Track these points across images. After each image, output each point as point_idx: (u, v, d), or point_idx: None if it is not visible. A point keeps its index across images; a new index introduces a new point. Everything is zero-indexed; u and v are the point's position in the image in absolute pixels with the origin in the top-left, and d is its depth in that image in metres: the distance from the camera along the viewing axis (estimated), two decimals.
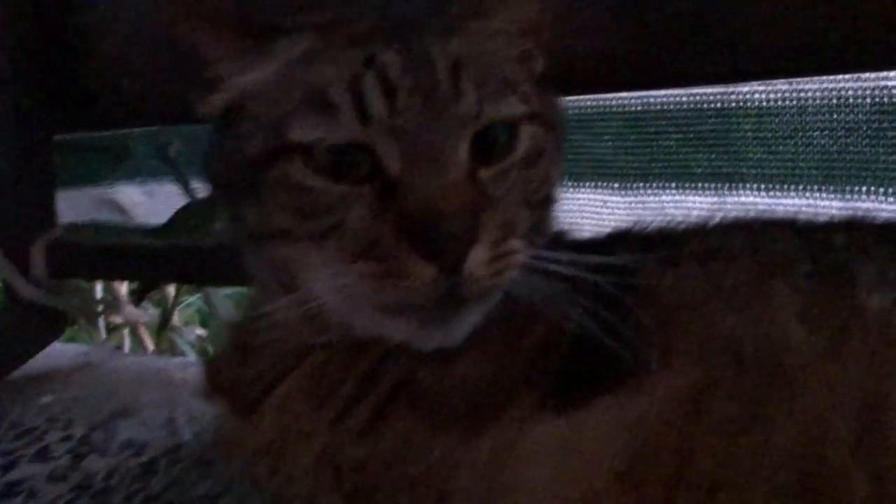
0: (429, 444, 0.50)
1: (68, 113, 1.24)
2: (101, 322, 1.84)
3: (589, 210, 1.00)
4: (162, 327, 1.51)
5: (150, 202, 1.45)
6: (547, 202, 0.56)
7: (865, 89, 0.83)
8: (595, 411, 0.47)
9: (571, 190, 1.01)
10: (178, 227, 1.31)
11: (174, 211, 1.40)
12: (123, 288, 1.67)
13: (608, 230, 0.67)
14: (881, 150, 0.84)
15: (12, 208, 1.25)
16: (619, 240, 0.60)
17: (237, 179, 0.54)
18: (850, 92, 0.84)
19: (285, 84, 0.51)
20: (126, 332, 1.71)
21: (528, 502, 0.46)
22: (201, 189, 1.37)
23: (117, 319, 1.46)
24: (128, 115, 1.21)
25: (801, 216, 0.86)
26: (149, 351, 1.67)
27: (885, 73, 0.82)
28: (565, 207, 0.98)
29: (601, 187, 0.99)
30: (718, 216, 0.62)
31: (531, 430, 0.48)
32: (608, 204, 0.99)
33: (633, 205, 0.97)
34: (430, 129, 0.48)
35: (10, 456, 0.92)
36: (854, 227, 0.58)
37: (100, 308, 1.36)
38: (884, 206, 0.84)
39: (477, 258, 0.46)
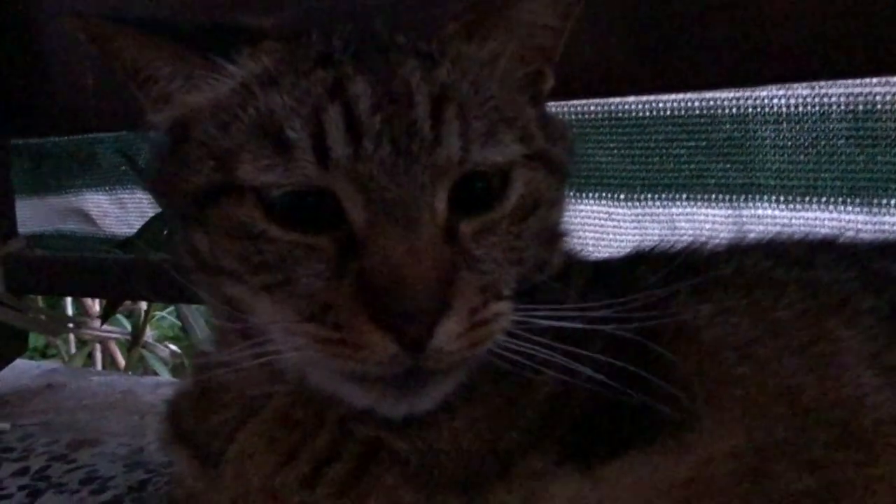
0: None
1: (25, 116, 1.16)
2: (71, 338, 1.75)
3: (592, 224, 0.93)
4: (133, 344, 1.42)
5: (120, 211, 1.36)
6: (550, 243, 0.48)
7: (895, 94, 0.77)
8: (625, 470, 0.40)
9: (573, 202, 0.93)
10: (147, 239, 1.23)
11: (144, 222, 1.32)
12: (94, 303, 1.59)
13: (627, 248, 0.59)
14: None
15: None
16: (643, 262, 0.52)
17: (184, 205, 0.46)
18: (877, 97, 0.78)
19: (238, 108, 0.43)
20: (97, 347, 1.62)
21: None
22: None
23: (86, 335, 1.37)
24: (88, 119, 1.12)
25: (826, 231, 0.80)
26: (121, 367, 1.58)
27: None
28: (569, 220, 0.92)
29: (605, 199, 0.92)
30: (749, 235, 0.55)
31: (549, 490, 0.41)
32: (613, 216, 0.92)
33: (640, 218, 0.90)
34: (401, 177, 0.40)
35: None
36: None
37: (69, 325, 1.26)
38: None
39: (446, 332, 0.39)
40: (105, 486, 0.85)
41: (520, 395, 0.43)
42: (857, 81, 0.77)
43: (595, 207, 0.93)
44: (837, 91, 0.79)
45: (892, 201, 0.78)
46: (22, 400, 1.18)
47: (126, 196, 1.34)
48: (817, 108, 0.80)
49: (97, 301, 1.65)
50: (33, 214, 1.36)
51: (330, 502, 0.45)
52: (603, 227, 0.93)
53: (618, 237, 0.91)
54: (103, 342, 1.54)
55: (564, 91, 0.56)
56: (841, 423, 0.36)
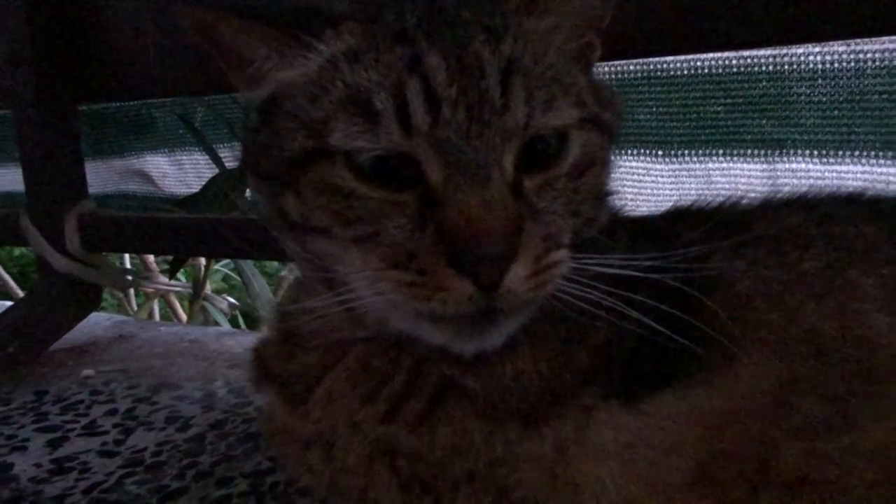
0: (488, 439, 0.49)
1: (91, 83, 1.22)
2: (131, 293, 1.86)
3: (630, 179, 0.97)
4: (195, 297, 1.51)
5: (179, 172, 1.44)
6: (599, 199, 0.53)
7: None
8: (665, 403, 0.45)
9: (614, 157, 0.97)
10: (207, 199, 1.31)
11: (203, 181, 1.40)
12: (151, 258, 1.68)
13: (667, 204, 0.64)
14: None
15: (42, 181, 1.24)
16: (682, 219, 0.57)
17: (277, 171, 0.52)
18: None
19: (327, 82, 0.48)
20: (156, 302, 1.72)
21: (597, 499, 0.45)
22: (230, 158, 1.35)
23: (148, 290, 1.46)
24: (150, 85, 1.19)
25: (858, 185, 0.84)
26: (181, 319, 1.68)
27: None
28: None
29: (644, 155, 0.96)
30: (783, 191, 0.60)
31: (597, 422, 0.47)
32: (651, 172, 0.96)
33: (677, 173, 0.94)
34: (475, 141, 0.45)
35: (59, 431, 0.93)
36: None
37: (138, 279, 1.35)
38: None
39: (516, 275, 0.44)
40: (188, 424, 0.94)
41: (576, 337, 0.49)
42: (893, 38, 0.80)
43: (633, 163, 0.97)
44: (872, 48, 0.81)
45: None
46: (99, 349, 1.28)
47: (184, 157, 1.42)
48: (852, 64, 0.83)
49: (154, 258, 1.76)
50: (97, 176, 1.44)
51: (406, 434, 0.52)
52: (641, 181, 0.97)
53: (656, 192, 0.96)
54: (165, 296, 1.63)
55: (608, 51, 0.60)
56: (857, 361, 0.42)
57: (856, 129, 0.84)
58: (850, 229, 0.50)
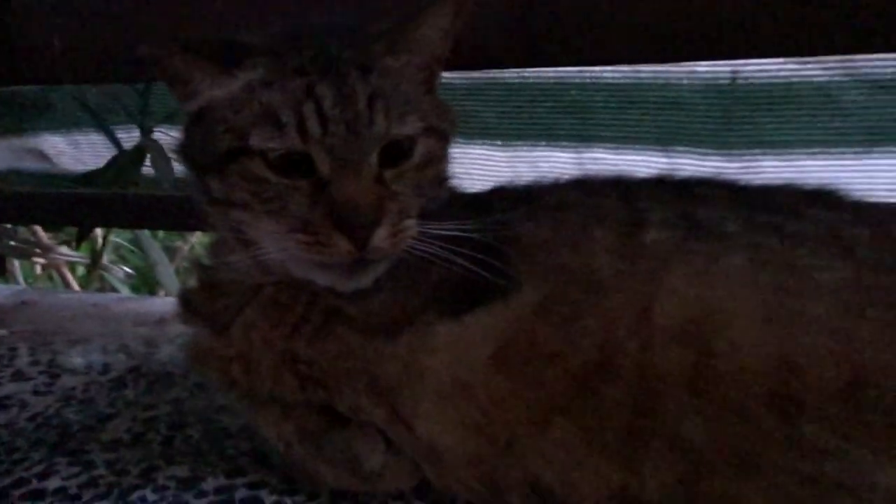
0: (363, 346, 0.71)
1: None
2: (16, 264, 1.92)
3: (477, 163, 1.22)
4: (93, 265, 1.63)
5: (75, 151, 1.55)
6: (439, 183, 0.75)
7: (692, 73, 1.08)
8: (477, 316, 0.69)
9: (463, 146, 1.22)
10: (107, 176, 1.43)
11: (98, 159, 1.52)
12: (41, 232, 1.76)
13: (492, 184, 0.88)
14: (697, 120, 1.10)
15: None
16: (498, 196, 0.81)
17: (207, 162, 0.71)
18: (678, 74, 1.09)
19: (246, 100, 0.67)
20: (50, 273, 1.81)
21: (433, 380, 0.68)
22: (126, 139, 1.48)
23: (54, 260, 1.56)
24: (55, 72, 1.30)
25: (640, 170, 1.12)
26: (74, 289, 1.78)
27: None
28: (459, 161, 1.21)
29: (487, 144, 1.21)
30: (568, 174, 0.85)
31: (435, 330, 0.70)
32: (493, 158, 1.22)
33: (511, 158, 1.20)
34: (351, 145, 0.66)
35: None
36: (659, 183, 0.82)
37: (37, 251, 1.46)
38: (698, 162, 1.11)
39: (379, 236, 0.65)
40: (107, 369, 1.09)
41: (421, 276, 0.71)
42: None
43: (480, 150, 1.22)
44: (648, 68, 1.10)
45: (681, 148, 1.11)
46: (5, 313, 1.39)
47: (80, 137, 1.53)
48: (633, 78, 1.11)
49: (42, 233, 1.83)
50: None
51: (304, 347, 0.73)
52: (485, 165, 1.22)
53: (496, 173, 1.21)
54: (57, 267, 1.73)
55: (456, 64, 0.82)
56: (585, 282, 0.67)
57: (637, 128, 1.13)
58: (601, 200, 0.76)
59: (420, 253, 0.69)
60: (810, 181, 1.04)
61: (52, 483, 0.77)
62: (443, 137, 0.75)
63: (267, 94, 0.67)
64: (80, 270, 1.83)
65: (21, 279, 1.84)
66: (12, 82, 1.38)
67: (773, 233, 0.68)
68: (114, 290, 1.68)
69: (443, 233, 0.69)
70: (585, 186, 0.82)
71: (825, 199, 0.77)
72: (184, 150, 0.74)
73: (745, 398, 0.59)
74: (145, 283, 1.76)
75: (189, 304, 0.82)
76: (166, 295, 1.62)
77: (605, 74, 1.11)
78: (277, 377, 0.74)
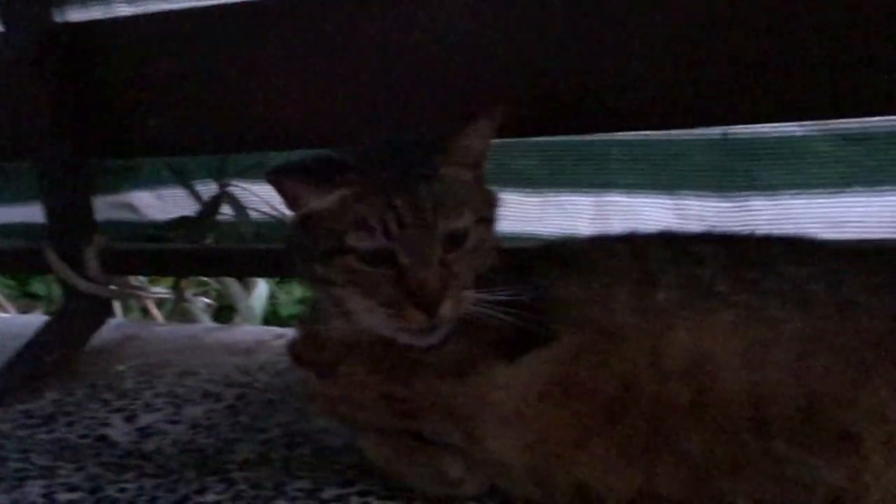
0: (440, 387, 0.94)
1: (101, 141, 1.56)
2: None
3: (511, 208, 1.43)
4: (178, 300, 1.88)
5: (160, 203, 1.78)
6: (489, 255, 0.95)
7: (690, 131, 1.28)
8: (528, 361, 0.91)
9: (499, 192, 1.43)
10: (179, 229, 1.67)
11: (179, 209, 1.76)
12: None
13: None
14: (696, 169, 1.30)
15: (62, 219, 1.58)
16: (536, 258, 1.03)
17: (313, 255, 0.92)
18: (679, 132, 1.29)
19: (343, 210, 0.89)
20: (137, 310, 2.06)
21: (497, 410, 0.90)
22: (204, 192, 1.72)
23: (146, 298, 1.81)
24: (151, 147, 1.53)
25: (648, 213, 1.33)
26: (159, 320, 2.04)
27: None
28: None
29: (519, 191, 1.43)
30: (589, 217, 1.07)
31: (495, 371, 0.92)
32: (525, 203, 1.43)
33: (541, 203, 1.42)
34: (421, 242, 0.87)
35: (127, 411, 1.31)
36: (663, 241, 1.03)
37: (136, 293, 1.71)
38: (699, 202, 1.31)
39: (445, 307, 0.86)
40: (219, 398, 1.33)
41: (481, 330, 0.93)
42: None
43: (513, 196, 1.43)
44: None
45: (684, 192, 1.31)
46: (116, 348, 1.64)
47: (165, 192, 1.77)
48: (644, 136, 1.31)
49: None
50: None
51: (398, 388, 0.95)
52: (518, 209, 1.43)
53: (527, 216, 1.43)
54: (144, 302, 1.98)
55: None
56: (611, 333, 0.88)
57: (647, 176, 1.33)
58: (619, 261, 0.97)
59: (478, 313, 0.91)
60: (794, 217, 1.27)
61: (209, 498, 1.01)
62: (489, 221, 0.97)
63: (359, 205, 0.89)
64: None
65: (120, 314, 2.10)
66: (111, 155, 1.62)
67: (752, 290, 0.89)
68: (197, 320, 1.93)
69: (493, 298, 0.91)
70: (606, 248, 1.03)
71: (798, 251, 0.97)
72: (293, 242, 0.97)
73: (731, 421, 0.81)
74: (221, 311, 2.01)
75: (297, 354, 1.05)
76: (244, 323, 1.87)
77: (620, 133, 1.32)
78: (376, 411, 0.97)
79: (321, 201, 0.92)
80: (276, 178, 0.92)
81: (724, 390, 0.82)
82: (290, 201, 0.94)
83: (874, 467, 0.77)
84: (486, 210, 0.96)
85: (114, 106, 1.52)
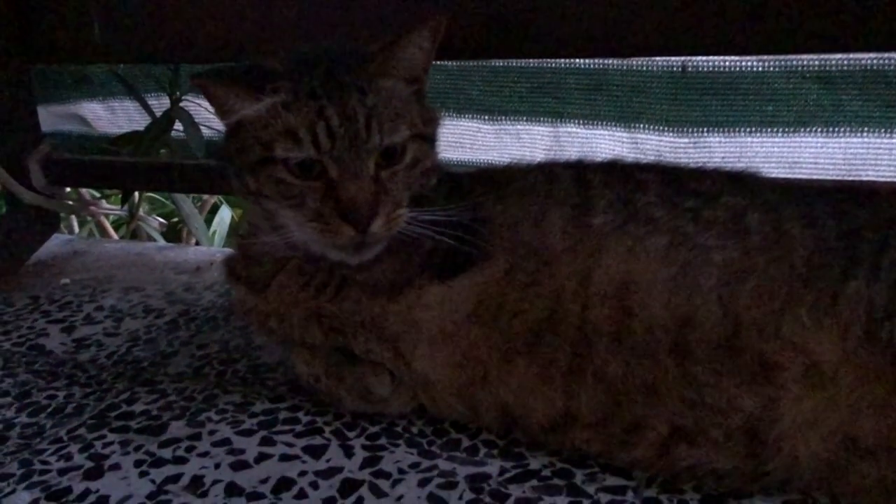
0: (371, 305, 0.93)
1: (42, 48, 1.49)
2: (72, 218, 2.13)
3: (467, 135, 1.41)
4: (131, 219, 1.84)
5: (111, 116, 1.73)
6: (426, 175, 0.92)
7: (650, 62, 1.25)
8: (459, 281, 0.90)
9: (455, 119, 1.40)
10: (143, 141, 1.62)
11: (131, 124, 1.71)
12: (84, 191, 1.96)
13: (491, 151, 1.05)
14: (654, 102, 1.27)
15: (4, 129, 1.52)
16: (475, 181, 1.00)
17: (243, 165, 0.90)
18: (638, 63, 1.26)
19: (271, 118, 0.85)
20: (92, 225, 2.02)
21: (426, 329, 0.90)
22: (156, 106, 1.66)
23: (96, 214, 1.77)
24: (93, 54, 1.47)
25: (606, 144, 1.31)
26: (114, 238, 2.00)
27: None
28: (451, 132, 1.40)
29: (476, 119, 1.40)
30: (546, 146, 1.04)
31: (426, 292, 0.91)
32: (481, 130, 1.40)
33: (497, 132, 1.39)
34: (353, 154, 0.84)
35: (66, 322, 1.29)
36: (611, 168, 1.01)
37: (84, 206, 1.66)
38: (656, 137, 1.29)
39: (377, 224, 0.85)
40: (161, 313, 1.32)
41: (414, 250, 0.91)
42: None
43: (469, 123, 1.40)
44: (615, 61, 1.26)
45: (641, 126, 1.29)
46: (63, 263, 1.61)
47: (116, 104, 1.71)
48: (600, 64, 1.28)
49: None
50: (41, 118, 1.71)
51: (326, 305, 0.94)
52: (474, 137, 1.41)
53: (484, 144, 1.40)
54: (98, 219, 1.94)
55: (448, 55, 0.98)
56: (541, 255, 0.87)
57: (604, 108, 1.31)
58: (560, 184, 0.95)
59: (411, 232, 0.89)
60: (749, 156, 1.25)
61: (138, 407, 1.00)
62: (428, 140, 0.94)
63: (287, 114, 0.85)
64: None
65: (77, 230, 2.06)
66: (54, 61, 1.55)
67: (689, 217, 0.88)
68: (150, 238, 1.89)
69: (428, 217, 0.89)
70: (547, 172, 1.01)
71: (742, 184, 0.96)
72: (225, 153, 0.94)
73: (652, 346, 0.81)
74: (173, 230, 1.97)
75: (232, 269, 1.03)
76: (197, 243, 1.84)
77: (577, 61, 1.28)
78: (306, 328, 0.96)
79: (250, 109, 0.88)
80: (202, 81, 0.88)
81: (648, 314, 0.82)
82: (220, 109, 0.90)
83: (790, 397, 0.77)
84: (425, 127, 0.93)
85: (58, 11, 1.45)
